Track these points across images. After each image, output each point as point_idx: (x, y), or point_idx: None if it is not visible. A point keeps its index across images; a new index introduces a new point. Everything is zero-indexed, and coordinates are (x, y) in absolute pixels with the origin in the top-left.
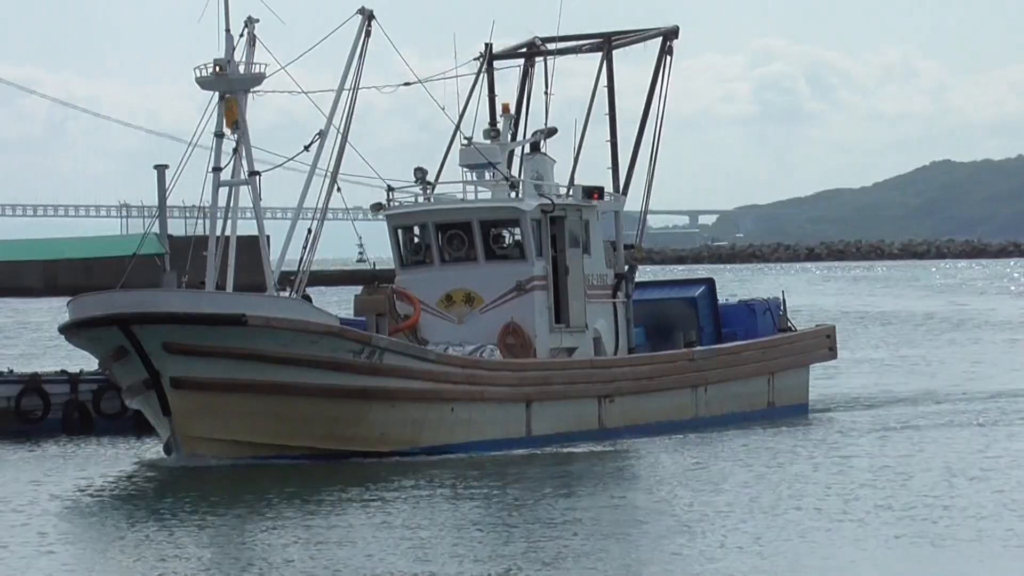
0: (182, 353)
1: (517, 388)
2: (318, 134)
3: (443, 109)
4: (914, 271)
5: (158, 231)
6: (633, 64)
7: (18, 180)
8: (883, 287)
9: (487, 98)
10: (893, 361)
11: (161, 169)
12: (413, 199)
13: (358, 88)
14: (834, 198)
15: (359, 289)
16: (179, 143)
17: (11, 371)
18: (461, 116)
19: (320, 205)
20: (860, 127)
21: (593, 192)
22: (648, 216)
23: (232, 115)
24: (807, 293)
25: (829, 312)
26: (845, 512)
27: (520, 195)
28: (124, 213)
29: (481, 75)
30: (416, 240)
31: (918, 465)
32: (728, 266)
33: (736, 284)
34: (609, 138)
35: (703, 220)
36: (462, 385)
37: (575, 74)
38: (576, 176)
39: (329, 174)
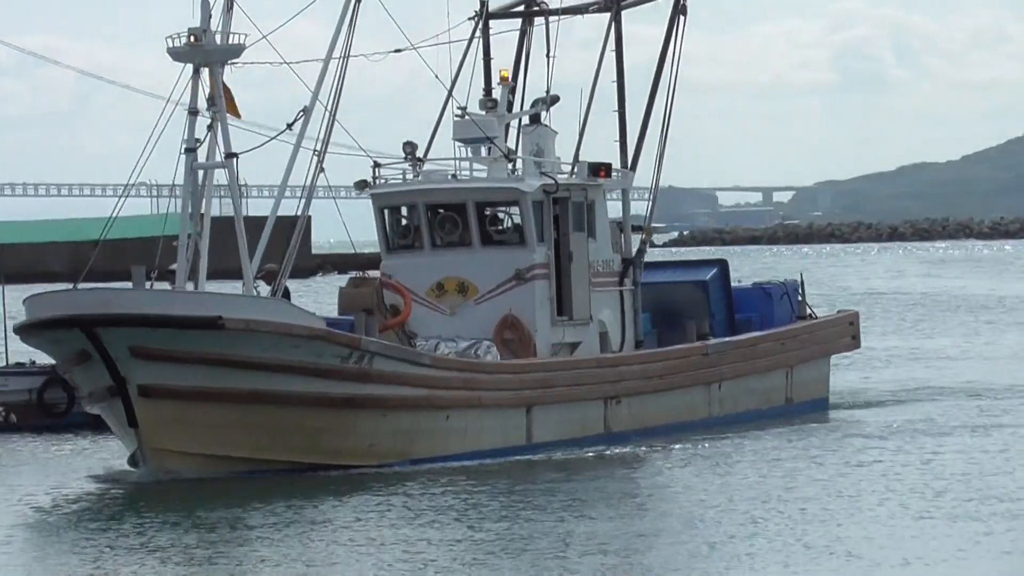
0: (151, 358)
1: (517, 392)
2: (302, 111)
3: (437, 76)
4: (1006, 251)
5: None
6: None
7: (42, 157)
8: (974, 268)
9: (482, 63)
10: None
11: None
12: (401, 176)
13: (348, 56)
14: (919, 173)
15: None
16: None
17: (33, 362)
18: (453, 83)
19: (307, 184)
20: (946, 96)
21: (600, 169)
22: (718, 193)
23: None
24: (888, 276)
25: (910, 295)
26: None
27: (520, 173)
28: (154, 192)
29: (475, 37)
30: (404, 222)
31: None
32: (805, 246)
33: (814, 266)
34: (617, 108)
35: (778, 197)
36: (458, 391)
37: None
38: (580, 151)
39: (316, 153)
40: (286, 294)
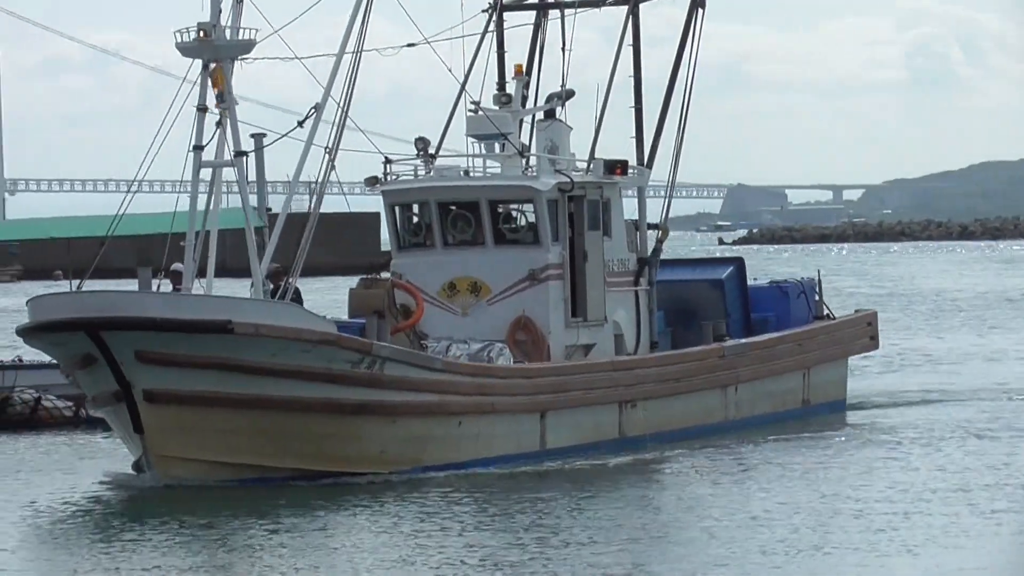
0: (157, 363)
1: (531, 397)
2: (313, 108)
3: (450, 70)
4: None
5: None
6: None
7: (112, 153)
8: None
9: (496, 57)
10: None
11: (258, 138)
12: (413, 173)
13: (361, 51)
14: (989, 171)
15: None
16: (282, 113)
17: None
18: (466, 78)
19: (318, 180)
20: (1017, 94)
21: (616, 166)
22: (787, 191)
23: (217, 85)
24: (957, 275)
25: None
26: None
27: (534, 171)
28: (225, 189)
29: (489, 30)
30: (416, 220)
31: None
32: (874, 244)
33: (876, 266)
34: (633, 104)
35: (848, 195)
36: (471, 396)
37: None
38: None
39: (328, 151)
40: (296, 295)
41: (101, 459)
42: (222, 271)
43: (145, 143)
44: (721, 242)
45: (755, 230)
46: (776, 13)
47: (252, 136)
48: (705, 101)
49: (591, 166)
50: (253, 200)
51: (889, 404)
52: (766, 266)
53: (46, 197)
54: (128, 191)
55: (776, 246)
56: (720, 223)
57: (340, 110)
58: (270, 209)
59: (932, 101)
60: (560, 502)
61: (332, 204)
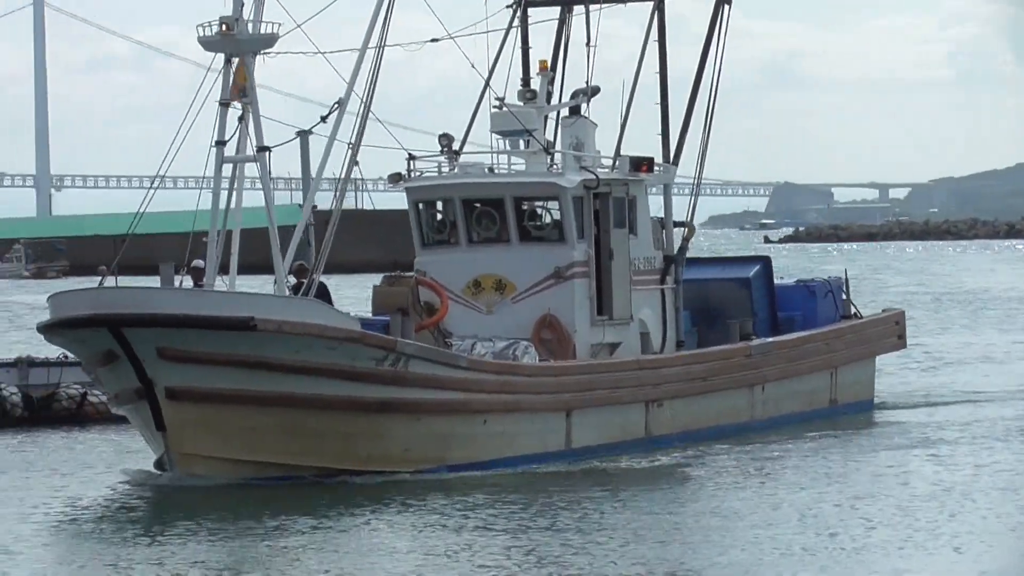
0: (179, 360)
1: (557, 396)
2: (336, 103)
3: (473, 66)
4: None
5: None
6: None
7: (158, 149)
8: None
9: (520, 53)
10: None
11: (304, 135)
12: (437, 169)
13: (384, 47)
14: None
15: None
16: (316, 105)
17: None
18: (490, 74)
19: (340, 177)
20: None
21: (642, 164)
22: (833, 189)
23: (240, 80)
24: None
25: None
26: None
27: (559, 167)
28: (292, 186)
29: (513, 26)
30: (440, 217)
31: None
32: (921, 243)
33: (922, 264)
34: (659, 100)
35: (894, 194)
36: (496, 394)
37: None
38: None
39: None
40: (323, 291)
41: (144, 455)
42: (266, 269)
43: (190, 139)
44: (767, 240)
45: (801, 228)
46: (822, 11)
47: (297, 133)
48: (751, 99)
49: (617, 163)
50: (279, 197)
51: (920, 404)
52: (813, 265)
53: (92, 193)
54: (151, 187)
55: (822, 244)
56: (764, 221)
57: (362, 105)
58: (316, 206)
59: (977, 99)
60: (590, 501)
61: (381, 201)
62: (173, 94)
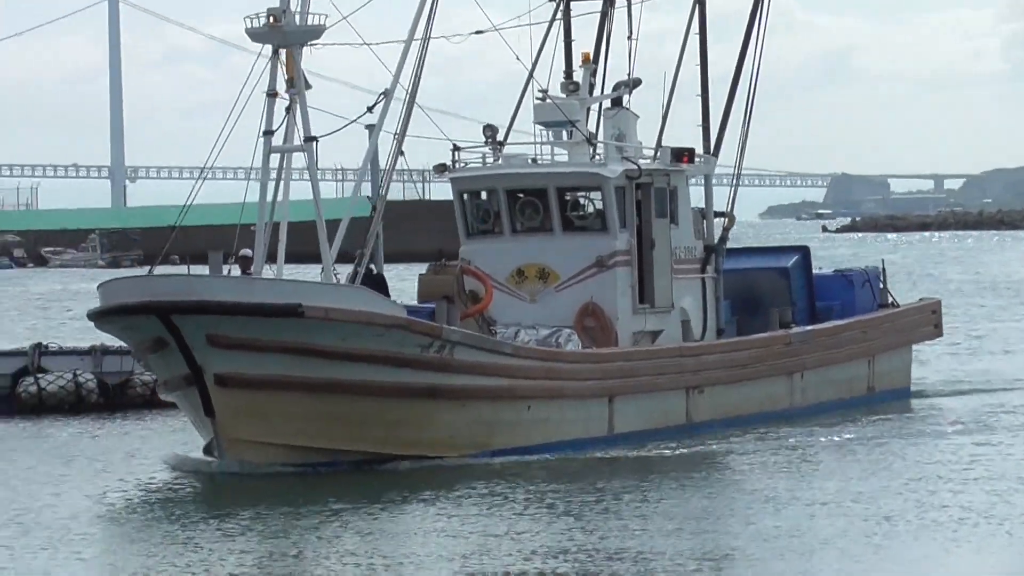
0: (228, 347)
1: (600, 382)
2: (382, 94)
3: (518, 58)
4: None
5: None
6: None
7: (229, 142)
8: None
9: (563, 46)
10: None
11: (372, 129)
12: (481, 160)
13: (429, 39)
14: None
15: None
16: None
17: None
18: (534, 66)
19: (387, 168)
20: None
21: (683, 154)
22: (890, 180)
23: (287, 71)
24: None
25: None
26: None
27: (602, 158)
28: (340, 176)
29: (556, 19)
30: (484, 207)
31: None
32: (975, 232)
33: (976, 254)
34: (700, 92)
35: (948, 184)
36: (540, 381)
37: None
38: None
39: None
40: (380, 280)
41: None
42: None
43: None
44: (825, 230)
45: (857, 218)
46: (880, 6)
47: (367, 128)
48: (810, 92)
49: (658, 154)
50: (326, 188)
51: (954, 392)
52: (869, 254)
53: (165, 184)
54: (199, 177)
55: (878, 233)
56: (820, 211)
57: (407, 96)
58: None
59: None
60: (632, 486)
61: (442, 192)
62: (246, 89)
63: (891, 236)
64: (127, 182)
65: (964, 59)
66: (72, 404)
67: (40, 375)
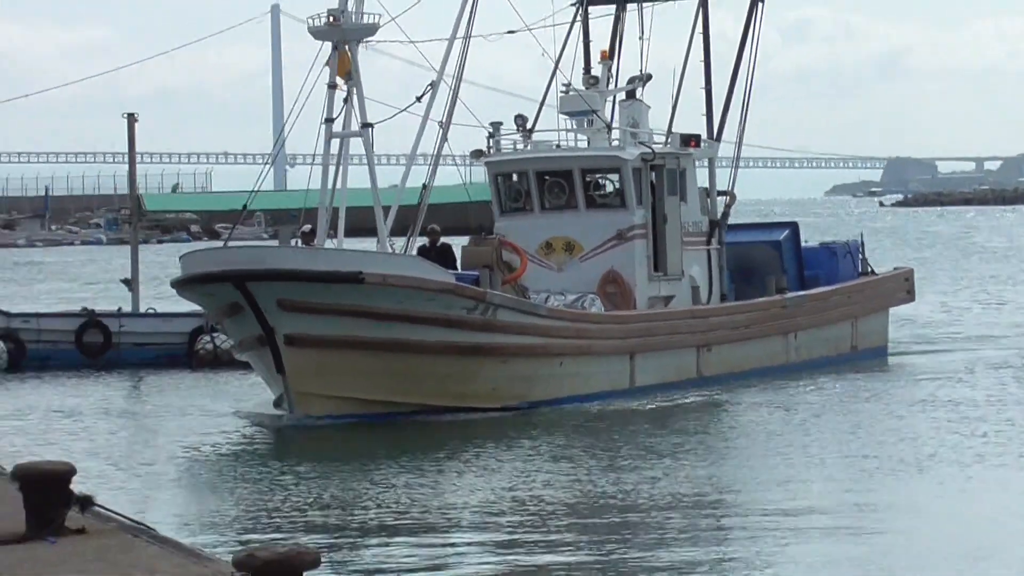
0: (296, 310)
1: (623, 341)
2: (430, 85)
3: (543, 54)
4: None
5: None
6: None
7: (378, 132)
8: None
9: (582, 44)
10: None
11: (496, 126)
12: (512, 146)
13: (470, 37)
14: None
15: None
16: (524, 99)
17: None
18: (557, 62)
19: (433, 153)
20: None
21: (691, 140)
22: (937, 162)
23: (345, 66)
24: None
25: None
26: None
27: (621, 143)
28: (469, 162)
29: (576, 20)
30: (515, 187)
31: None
32: (1011, 207)
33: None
34: (704, 85)
35: (988, 165)
36: (571, 339)
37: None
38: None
39: (441, 125)
40: (447, 250)
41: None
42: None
43: (403, 125)
44: (881, 204)
45: (909, 195)
46: (929, 14)
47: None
48: (869, 88)
49: (669, 139)
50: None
51: (927, 351)
52: (920, 227)
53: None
54: (266, 163)
55: (927, 208)
56: (872, 189)
57: (451, 89)
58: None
59: None
60: (652, 431)
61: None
62: (389, 86)
63: (938, 209)
64: (287, 167)
65: (1003, 58)
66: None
67: (214, 334)
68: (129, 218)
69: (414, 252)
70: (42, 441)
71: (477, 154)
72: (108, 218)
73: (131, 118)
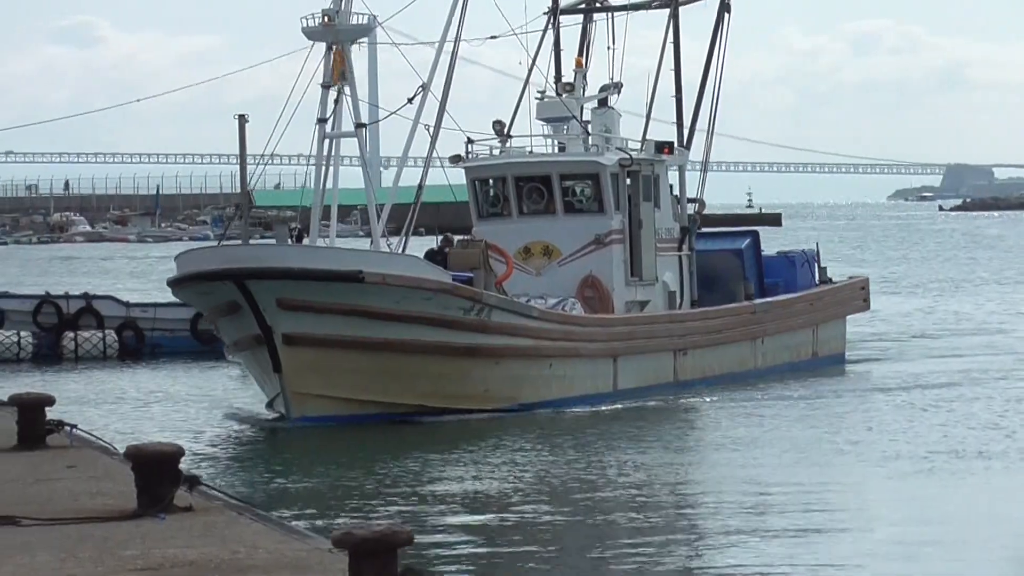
0: (296, 309)
1: (607, 344)
2: (421, 87)
3: (520, 63)
4: None
5: None
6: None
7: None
8: None
9: (552, 54)
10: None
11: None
12: (489, 152)
13: (459, 40)
14: None
15: None
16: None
17: None
18: (530, 70)
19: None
20: None
21: (664, 147)
22: (994, 168)
23: (339, 66)
24: None
25: None
26: None
27: (598, 150)
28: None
29: (548, 29)
30: (494, 192)
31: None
32: None
33: None
34: (675, 94)
35: None
36: (559, 342)
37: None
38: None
39: (431, 128)
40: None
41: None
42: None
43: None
44: (941, 209)
45: (967, 200)
46: (987, 31)
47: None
48: (931, 98)
49: (643, 146)
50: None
51: (882, 358)
52: (978, 230)
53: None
54: (260, 163)
55: (983, 212)
56: (924, 194)
57: (443, 92)
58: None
59: None
60: (635, 433)
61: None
62: (478, 95)
63: (996, 214)
64: (381, 168)
65: None
66: None
67: None
68: (235, 214)
69: (419, 255)
70: (156, 426)
71: (455, 159)
72: (215, 215)
73: (242, 119)
